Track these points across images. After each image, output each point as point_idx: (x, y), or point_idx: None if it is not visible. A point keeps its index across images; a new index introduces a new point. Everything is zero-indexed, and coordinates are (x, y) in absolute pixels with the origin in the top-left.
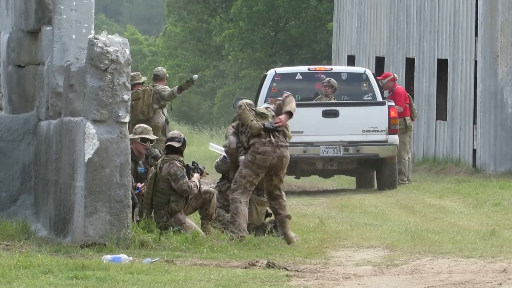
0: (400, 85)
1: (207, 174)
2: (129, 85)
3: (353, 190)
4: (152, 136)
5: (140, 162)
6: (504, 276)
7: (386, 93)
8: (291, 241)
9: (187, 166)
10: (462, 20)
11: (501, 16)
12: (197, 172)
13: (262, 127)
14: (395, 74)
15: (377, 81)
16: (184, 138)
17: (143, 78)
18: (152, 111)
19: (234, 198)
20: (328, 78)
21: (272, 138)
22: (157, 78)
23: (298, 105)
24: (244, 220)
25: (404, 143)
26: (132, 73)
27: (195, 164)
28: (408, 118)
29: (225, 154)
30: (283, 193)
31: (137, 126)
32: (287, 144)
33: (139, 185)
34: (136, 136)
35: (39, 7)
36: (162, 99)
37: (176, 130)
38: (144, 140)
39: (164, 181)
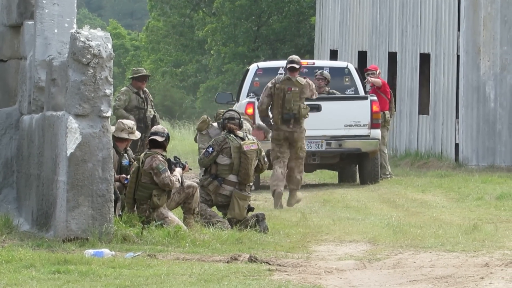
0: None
1: (190, 169)
2: (111, 80)
3: (335, 185)
4: (138, 134)
5: (125, 154)
6: (486, 270)
7: (368, 86)
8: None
9: (168, 161)
10: (444, 15)
11: (483, 10)
12: (179, 167)
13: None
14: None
15: (359, 75)
16: (167, 133)
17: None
18: None
19: (273, 165)
20: (320, 70)
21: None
22: None
23: None
24: (276, 178)
25: (383, 137)
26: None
27: (177, 159)
28: (387, 112)
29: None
30: (300, 171)
31: (131, 124)
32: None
33: (127, 176)
34: (136, 136)
35: (22, 2)
36: None
37: (160, 125)
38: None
39: (146, 175)
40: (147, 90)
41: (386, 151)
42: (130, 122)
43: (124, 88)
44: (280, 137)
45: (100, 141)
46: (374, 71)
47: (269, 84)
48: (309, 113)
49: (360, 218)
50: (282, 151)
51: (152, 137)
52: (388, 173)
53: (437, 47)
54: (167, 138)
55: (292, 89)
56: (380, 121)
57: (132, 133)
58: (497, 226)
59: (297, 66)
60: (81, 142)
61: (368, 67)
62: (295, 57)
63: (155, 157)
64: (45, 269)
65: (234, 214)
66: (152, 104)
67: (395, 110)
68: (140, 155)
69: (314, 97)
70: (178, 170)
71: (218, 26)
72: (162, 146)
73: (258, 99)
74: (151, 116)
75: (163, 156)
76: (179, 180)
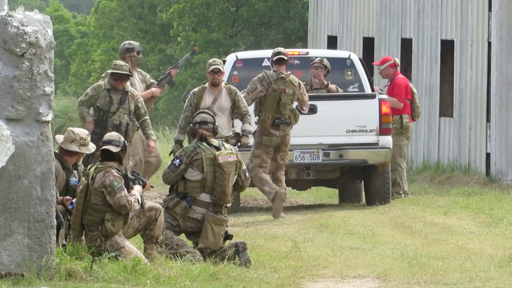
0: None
1: (152, 187)
2: (52, 74)
3: (335, 206)
4: (88, 149)
5: (74, 171)
6: None
7: (385, 82)
8: (277, 217)
9: (125, 176)
10: None
11: None
12: (139, 184)
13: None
14: (396, 59)
15: (364, 68)
16: (124, 142)
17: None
18: None
19: (254, 173)
20: (319, 57)
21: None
22: None
23: None
24: (266, 182)
25: (400, 147)
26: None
27: (136, 174)
28: (406, 116)
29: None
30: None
31: (83, 134)
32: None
33: (73, 199)
34: (90, 149)
35: None
36: None
37: (114, 132)
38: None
39: (97, 194)
40: (131, 91)
41: (403, 165)
42: (82, 132)
43: (99, 82)
44: (272, 143)
45: (38, 152)
46: (380, 66)
47: (259, 86)
48: (302, 115)
49: (367, 247)
50: (267, 160)
51: (104, 147)
52: (402, 191)
53: (462, 32)
54: (124, 148)
55: (286, 91)
56: (392, 125)
57: (85, 145)
58: None
59: (285, 58)
60: (15, 154)
61: (380, 60)
62: (281, 48)
63: (108, 172)
64: None
65: (208, 243)
66: (135, 110)
67: (417, 115)
68: (88, 170)
69: (304, 108)
70: (137, 188)
71: (187, 6)
72: (118, 158)
73: None
74: (117, 123)
75: (119, 171)
76: (138, 201)
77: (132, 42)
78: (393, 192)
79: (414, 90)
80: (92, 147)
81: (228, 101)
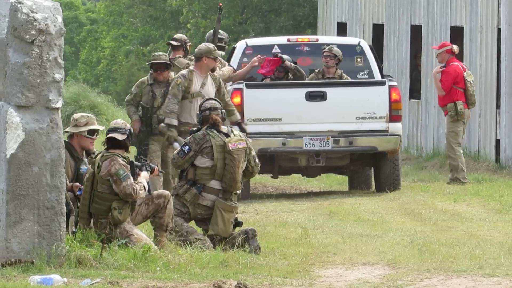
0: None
1: (162, 172)
2: (61, 61)
3: (345, 193)
4: (99, 126)
5: (85, 160)
6: None
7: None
8: None
9: (131, 163)
10: None
11: None
12: (146, 170)
13: None
14: (454, 46)
15: (374, 54)
16: (130, 129)
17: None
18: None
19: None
20: (329, 46)
21: None
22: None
23: (274, 86)
24: None
25: (456, 133)
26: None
27: (143, 160)
28: (460, 102)
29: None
30: None
31: (78, 115)
32: None
33: (81, 186)
34: (82, 129)
35: None
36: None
37: (120, 119)
38: (92, 132)
39: (104, 182)
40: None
41: (460, 152)
42: (79, 115)
43: (142, 78)
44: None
45: (48, 138)
46: (437, 50)
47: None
48: (312, 102)
49: (377, 234)
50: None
51: (110, 135)
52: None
53: (472, 19)
54: (130, 136)
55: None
56: (449, 113)
57: (76, 126)
58: None
59: (174, 43)
60: (25, 141)
61: (439, 44)
62: (178, 34)
63: (114, 160)
64: None
65: (218, 230)
66: None
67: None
68: (94, 158)
69: None
70: (144, 175)
71: None
72: (123, 146)
73: (247, 85)
74: (162, 118)
75: (125, 158)
76: (145, 188)
77: (221, 31)
78: (460, 178)
79: (469, 78)
80: (83, 129)
81: (213, 87)
